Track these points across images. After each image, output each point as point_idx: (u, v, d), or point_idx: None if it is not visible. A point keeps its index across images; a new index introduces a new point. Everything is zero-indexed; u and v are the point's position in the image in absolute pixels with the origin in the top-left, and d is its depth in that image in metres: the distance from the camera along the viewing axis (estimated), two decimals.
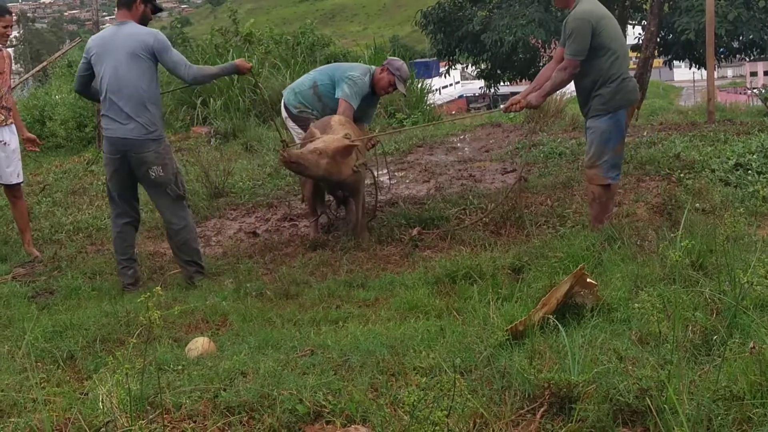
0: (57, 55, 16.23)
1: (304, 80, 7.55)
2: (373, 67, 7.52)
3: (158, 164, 5.93)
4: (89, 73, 6.08)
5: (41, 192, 9.91)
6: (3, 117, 7.06)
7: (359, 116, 7.28)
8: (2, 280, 6.44)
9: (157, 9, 6.33)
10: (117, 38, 5.93)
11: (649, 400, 2.90)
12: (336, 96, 7.17)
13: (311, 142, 6.37)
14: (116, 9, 6.10)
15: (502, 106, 6.72)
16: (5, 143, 7.03)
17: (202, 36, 20.74)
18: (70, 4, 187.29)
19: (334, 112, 7.06)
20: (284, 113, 7.52)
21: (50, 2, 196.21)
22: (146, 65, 5.87)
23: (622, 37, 5.94)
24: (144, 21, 6.11)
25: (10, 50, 8.48)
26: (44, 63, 15.91)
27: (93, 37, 6.26)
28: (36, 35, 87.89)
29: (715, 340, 3.50)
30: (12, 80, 7.64)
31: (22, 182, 7.36)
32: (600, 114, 5.82)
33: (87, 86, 6.19)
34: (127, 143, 5.88)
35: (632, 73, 15.64)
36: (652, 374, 3.00)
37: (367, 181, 7.41)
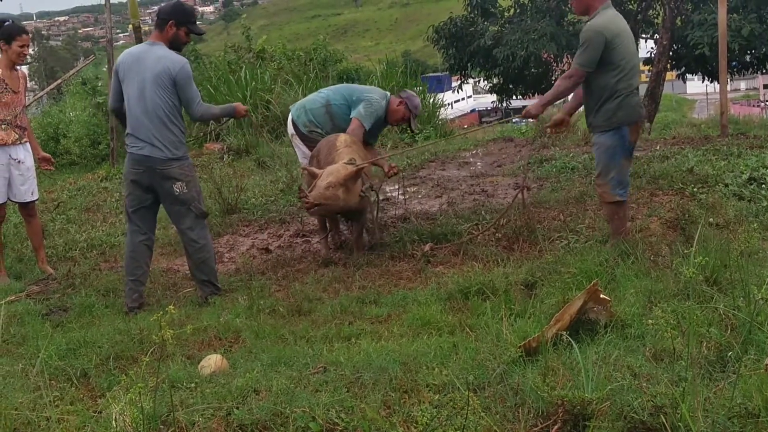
0: (71, 72, 16.37)
1: (316, 98, 7.53)
2: (389, 93, 7.52)
3: (183, 180, 5.92)
4: (121, 88, 6.05)
5: (55, 209, 9.96)
6: (17, 135, 7.08)
7: (365, 137, 7.27)
8: (16, 298, 6.46)
9: (194, 32, 6.19)
10: (146, 58, 5.90)
11: (663, 418, 2.89)
12: (351, 115, 7.17)
13: (318, 180, 6.37)
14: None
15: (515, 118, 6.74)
16: (20, 161, 7.07)
17: (216, 52, 20.85)
18: (84, 22, 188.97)
19: (344, 131, 7.06)
20: (291, 130, 7.51)
21: (65, 20, 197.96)
22: (170, 90, 5.86)
23: (634, 54, 5.87)
24: (176, 44, 6.01)
25: (25, 68, 8.54)
26: (59, 81, 16.05)
27: (125, 52, 6.21)
28: (51, 53, 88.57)
29: (730, 357, 3.48)
30: (27, 98, 7.69)
31: (36, 200, 7.39)
32: (604, 129, 5.82)
33: (122, 102, 6.05)
34: (151, 161, 5.86)
35: (644, 87, 15.56)
36: (666, 391, 2.99)
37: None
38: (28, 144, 7.23)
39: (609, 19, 5.77)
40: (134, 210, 6.08)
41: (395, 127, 10.94)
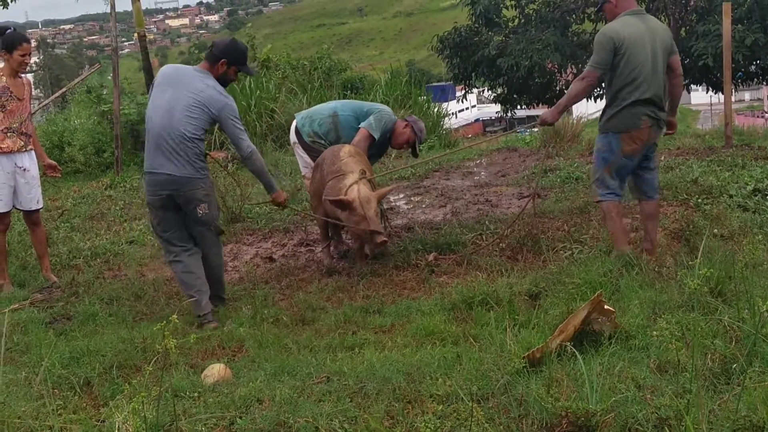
0: (76, 81, 16.41)
1: (323, 108, 7.55)
2: (395, 117, 7.53)
3: (206, 202, 5.82)
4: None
5: (60, 217, 9.96)
6: (23, 143, 7.09)
7: (369, 154, 7.27)
8: (20, 306, 6.46)
9: (244, 72, 6.22)
10: (191, 77, 5.84)
11: (668, 430, 2.88)
12: (360, 125, 7.18)
13: (367, 212, 6.39)
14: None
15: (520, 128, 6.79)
16: (25, 169, 7.08)
17: None
18: (89, 30, 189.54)
19: (348, 144, 7.05)
20: (294, 138, 7.51)
21: (70, 28, 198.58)
22: (204, 118, 5.75)
23: (648, 66, 5.74)
24: (223, 80, 5.95)
25: (30, 76, 8.55)
26: (64, 89, 16.09)
27: (168, 66, 6.14)
28: (56, 61, 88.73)
29: (735, 369, 3.47)
30: (32, 106, 7.70)
31: (41, 208, 7.40)
32: (600, 132, 5.95)
33: None
34: (175, 181, 5.71)
35: None
36: (670, 403, 2.98)
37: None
38: (33, 152, 7.24)
39: (622, 23, 5.79)
40: (170, 234, 5.94)
41: None
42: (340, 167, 6.59)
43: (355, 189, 6.42)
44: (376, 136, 7.15)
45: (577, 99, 6.03)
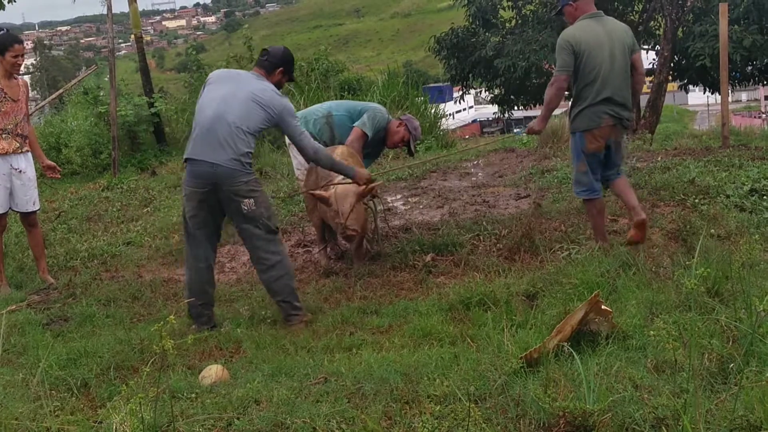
0: (73, 82, 16.39)
1: (318, 109, 7.59)
2: (389, 116, 7.58)
3: (251, 197, 5.58)
4: None
5: (57, 219, 9.95)
6: (18, 144, 7.07)
7: (365, 154, 7.31)
8: (17, 308, 6.45)
9: (291, 80, 6.17)
10: (249, 79, 5.76)
11: (665, 430, 2.89)
12: (354, 124, 7.21)
13: (341, 207, 6.38)
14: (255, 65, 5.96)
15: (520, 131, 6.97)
16: (21, 171, 7.06)
17: (217, 63, 20.86)
18: (86, 32, 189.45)
19: (343, 144, 7.10)
20: (289, 139, 7.53)
21: (67, 30, 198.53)
22: (263, 117, 5.65)
23: (605, 66, 6.04)
24: (276, 86, 5.89)
25: (27, 78, 8.53)
26: (61, 90, 16.06)
27: (221, 69, 6.20)
28: (52, 62, 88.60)
29: (732, 368, 3.47)
30: (29, 107, 7.68)
31: (38, 210, 7.39)
32: (570, 131, 6.33)
33: None
34: (217, 173, 5.47)
35: (645, 98, 15.58)
36: (668, 403, 2.98)
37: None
38: (29, 153, 7.23)
39: (579, 27, 6.14)
40: (201, 232, 5.71)
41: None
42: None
43: (336, 186, 6.45)
44: (370, 134, 7.19)
45: (553, 104, 6.30)
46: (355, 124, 7.21)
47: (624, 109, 6.14)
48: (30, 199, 7.18)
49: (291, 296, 5.73)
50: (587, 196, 6.26)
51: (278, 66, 5.86)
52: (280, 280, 5.70)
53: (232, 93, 5.62)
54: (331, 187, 6.45)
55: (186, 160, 5.66)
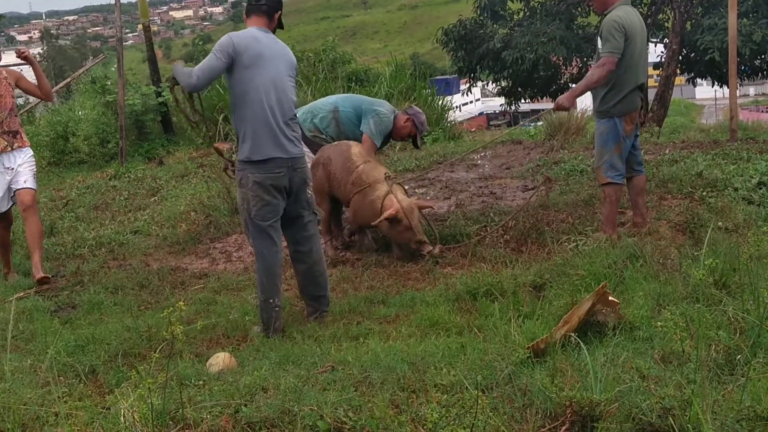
0: (80, 71, 16.42)
1: (324, 103, 7.63)
2: (396, 110, 7.65)
3: (311, 182, 5.55)
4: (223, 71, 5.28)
5: (64, 207, 9.98)
6: (6, 143, 6.88)
7: None
8: (25, 294, 6.48)
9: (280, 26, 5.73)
10: (273, 46, 5.39)
11: (672, 420, 2.88)
12: (361, 129, 7.32)
13: (413, 221, 6.53)
14: (245, 15, 5.55)
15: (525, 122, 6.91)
16: (13, 169, 6.93)
17: None
18: (93, 21, 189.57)
19: (349, 139, 7.24)
20: None
21: (74, 19, 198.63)
22: (293, 82, 5.49)
23: (645, 53, 6.25)
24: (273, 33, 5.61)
25: (25, 69, 8.41)
26: (68, 79, 16.09)
27: (238, 35, 5.35)
28: (60, 52, 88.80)
29: (739, 360, 3.47)
30: (27, 98, 7.50)
31: (33, 189, 7.03)
32: (602, 117, 6.25)
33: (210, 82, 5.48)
34: (292, 159, 5.27)
35: (654, 91, 15.53)
36: (675, 393, 2.98)
37: None
38: (21, 149, 7.01)
39: (625, 12, 6.13)
40: (275, 221, 5.33)
41: None
42: (360, 177, 6.72)
43: (393, 199, 6.55)
44: (378, 143, 7.37)
45: (595, 85, 6.22)
46: (363, 130, 7.34)
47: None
48: (21, 180, 6.92)
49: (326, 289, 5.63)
50: (620, 180, 6.32)
51: (277, 9, 5.53)
52: (325, 272, 5.63)
53: (276, 73, 5.32)
54: (390, 200, 6.56)
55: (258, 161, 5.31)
